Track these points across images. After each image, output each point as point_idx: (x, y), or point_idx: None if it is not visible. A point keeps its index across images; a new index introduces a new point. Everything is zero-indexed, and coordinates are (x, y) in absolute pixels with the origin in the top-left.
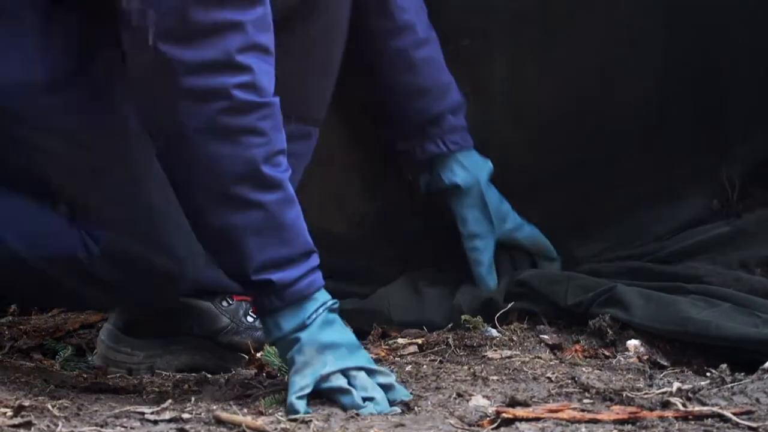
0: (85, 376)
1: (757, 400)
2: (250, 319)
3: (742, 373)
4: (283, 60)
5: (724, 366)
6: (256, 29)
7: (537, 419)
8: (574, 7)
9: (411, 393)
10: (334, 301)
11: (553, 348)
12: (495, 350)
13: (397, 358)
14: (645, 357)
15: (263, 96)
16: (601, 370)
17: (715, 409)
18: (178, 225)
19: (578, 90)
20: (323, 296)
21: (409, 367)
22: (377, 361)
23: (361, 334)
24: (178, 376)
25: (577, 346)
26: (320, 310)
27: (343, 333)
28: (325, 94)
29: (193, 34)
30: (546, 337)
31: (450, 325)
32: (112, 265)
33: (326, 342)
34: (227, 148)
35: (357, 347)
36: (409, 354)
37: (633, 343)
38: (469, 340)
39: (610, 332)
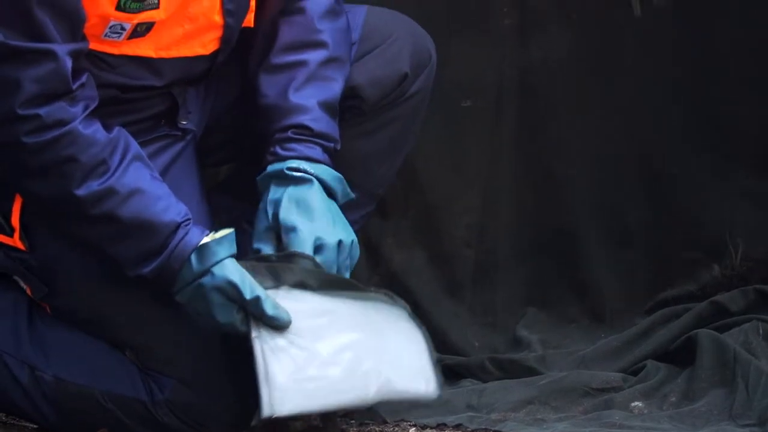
0: None
1: None
2: None
3: None
4: (357, 136)
5: None
6: (40, 83)
7: None
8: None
9: None
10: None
11: None
12: None
13: None
14: None
15: (58, 129)
16: None
17: None
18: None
19: (581, 152)
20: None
21: None
22: None
23: None
24: None
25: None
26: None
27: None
28: (390, 170)
29: None
30: None
31: None
32: (173, 412)
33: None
34: (39, 183)
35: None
36: None
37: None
38: None
39: None
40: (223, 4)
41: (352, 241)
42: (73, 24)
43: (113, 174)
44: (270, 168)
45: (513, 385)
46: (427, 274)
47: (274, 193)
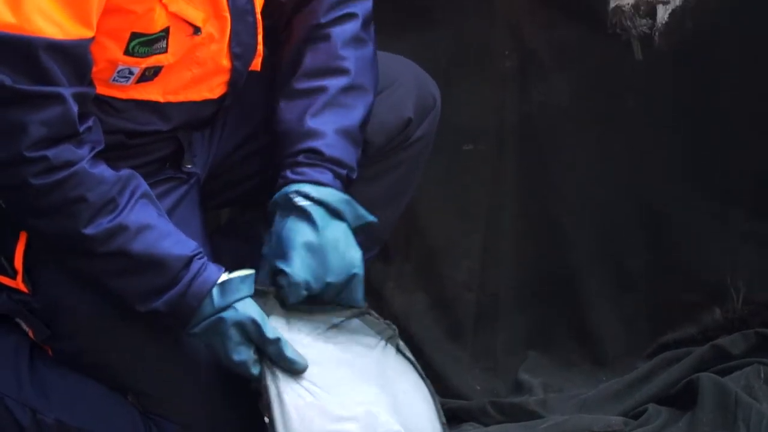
0: None
1: None
2: None
3: None
4: (361, 181)
5: None
6: (47, 126)
7: None
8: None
9: None
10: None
11: None
12: None
13: None
14: None
15: (66, 170)
16: None
17: None
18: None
19: (582, 196)
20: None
21: None
22: None
23: None
24: None
25: None
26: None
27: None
28: (394, 214)
29: None
30: None
31: None
32: None
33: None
34: (48, 223)
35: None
36: None
37: None
38: None
39: None
40: (230, 47)
41: (328, 284)
42: (80, 69)
43: (122, 211)
44: (277, 195)
45: (514, 429)
46: (428, 318)
47: (277, 224)
